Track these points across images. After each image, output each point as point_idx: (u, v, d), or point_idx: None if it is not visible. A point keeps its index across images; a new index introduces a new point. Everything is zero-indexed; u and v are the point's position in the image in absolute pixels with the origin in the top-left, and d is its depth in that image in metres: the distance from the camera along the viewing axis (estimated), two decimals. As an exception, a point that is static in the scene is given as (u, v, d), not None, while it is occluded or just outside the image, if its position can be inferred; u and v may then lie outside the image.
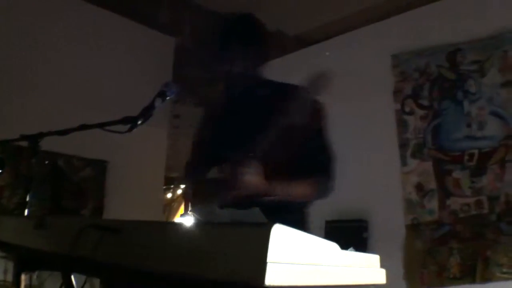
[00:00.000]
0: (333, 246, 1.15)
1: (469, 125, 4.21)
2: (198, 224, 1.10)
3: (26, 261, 2.02)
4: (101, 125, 2.03)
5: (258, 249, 0.91)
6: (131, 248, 1.17)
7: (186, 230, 1.09)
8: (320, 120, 2.15)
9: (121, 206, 5.45)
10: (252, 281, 0.89)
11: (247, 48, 2.06)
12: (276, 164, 1.91)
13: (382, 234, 4.53)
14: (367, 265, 1.34)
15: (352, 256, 1.24)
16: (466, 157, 4.19)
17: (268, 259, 0.89)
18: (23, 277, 2.06)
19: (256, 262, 0.90)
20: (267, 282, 0.88)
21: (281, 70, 5.02)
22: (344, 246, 1.29)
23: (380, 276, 1.39)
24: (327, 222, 4.80)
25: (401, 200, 4.51)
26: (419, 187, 4.42)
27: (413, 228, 4.38)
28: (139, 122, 1.83)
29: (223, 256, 0.95)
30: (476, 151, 4.14)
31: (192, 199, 2.05)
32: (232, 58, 1.99)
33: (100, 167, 5.59)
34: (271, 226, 0.92)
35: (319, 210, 4.79)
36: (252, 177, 1.71)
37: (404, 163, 4.56)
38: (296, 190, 1.97)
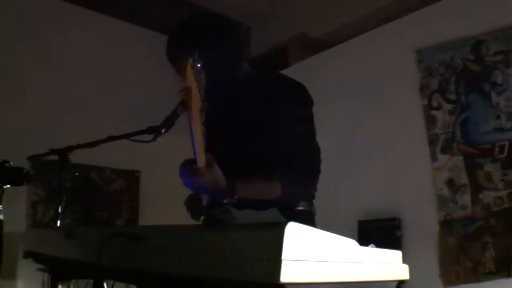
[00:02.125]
0: (351, 242, 1.16)
1: (497, 117, 4.15)
2: (215, 226, 1.13)
3: (60, 271, 2.08)
4: (127, 136, 2.08)
5: (273, 247, 0.93)
6: (154, 254, 1.20)
7: (204, 233, 1.11)
8: (292, 110, 1.93)
9: (155, 215, 5.52)
10: (268, 279, 0.91)
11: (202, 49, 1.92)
12: (237, 162, 1.85)
13: (416, 231, 4.50)
14: (388, 261, 1.33)
15: (371, 252, 1.24)
16: (496, 150, 4.13)
17: (283, 257, 0.91)
18: (60, 287, 2.11)
19: (272, 260, 0.92)
20: (283, 279, 0.90)
21: (304, 73, 5.06)
22: (377, 245, 1.30)
23: (402, 272, 1.38)
24: (360, 222, 4.79)
25: (433, 197, 4.47)
26: (451, 183, 4.37)
27: (446, 224, 4.33)
28: (163, 131, 1.86)
29: (240, 256, 0.97)
30: (506, 143, 4.08)
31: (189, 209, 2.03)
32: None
33: (132, 177, 5.68)
34: (285, 224, 0.94)
35: (351, 210, 4.85)
36: (205, 176, 1.63)
37: (434, 159, 4.52)
38: (257, 189, 1.78)
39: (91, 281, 1.67)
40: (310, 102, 2.01)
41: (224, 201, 1.68)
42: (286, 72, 2.15)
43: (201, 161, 1.59)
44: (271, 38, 6.50)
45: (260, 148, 1.91)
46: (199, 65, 1.40)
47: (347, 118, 5.32)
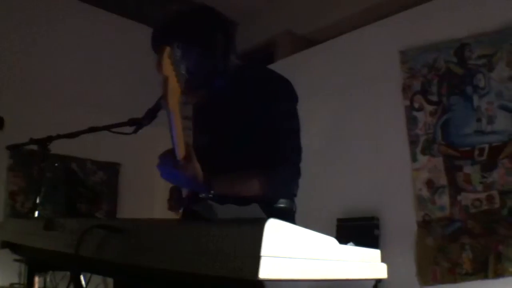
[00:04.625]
0: (331, 240, 1.16)
1: (478, 120, 4.19)
2: (195, 221, 1.12)
3: (37, 262, 2.06)
4: (108, 127, 2.06)
5: (252, 243, 0.92)
6: (132, 247, 1.19)
7: (183, 227, 1.11)
8: (277, 106, 1.91)
9: (134, 207, 5.51)
10: (247, 275, 0.91)
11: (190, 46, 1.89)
12: (222, 156, 1.88)
13: (394, 231, 4.53)
14: (367, 260, 1.34)
15: (350, 250, 1.24)
16: (476, 152, 4.17)
17: (262, 253, 0.91)
18: (36, 279, 2.09)
19: (251, 256, 0.91)
20: (261, 275, 0.90)
21: (290, 69, 5.06)
22: (356, 244, 1.30)
23: (380, 270, 1.39)
24: (339, 220, 4.81)
25: (412, 197, 4.50)
26: (430, 184, 4.40)
27: (425, 225, 4.37)
28: (144, 124, 1.86)
29: (219, 251, 0.97)
30: (486, 146, 4.12)
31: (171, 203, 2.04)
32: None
33: (112, 169, 5.65)
34: (265, 220, 0.94)
35: (330, 208, 4.87)
36: (184, 169, 1.63)
37: (414, 159, 4.55)
38: (234, 185, 1.78)
39: (68, 273, 1.66)
40: (296, 99, 2.00)
41: (200, 195, 1.67)
42: (272, 67, 2.13)
43: (180, 153, 1.57)
44: (258, 34, 6.49)
45: (245, 143, 1.90)
46: (178, 55, 1.37)
47: (328, 116, 5.33)
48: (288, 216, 1.94)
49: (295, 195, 2.01)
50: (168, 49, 1.32)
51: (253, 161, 1.81)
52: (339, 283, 1.17)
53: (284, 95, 1.97)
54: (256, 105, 1.90)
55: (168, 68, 1.33)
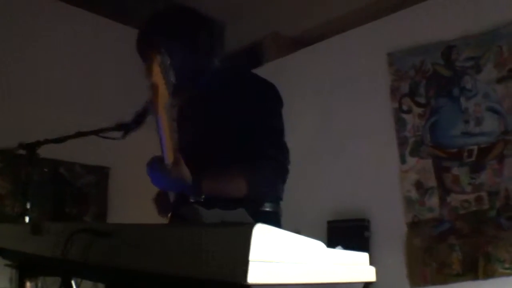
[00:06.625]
0: (319, 244, 1.16)
1: (466, 122, 4.22)
2: (183, 225, 1.13)
3: (28, 267, 2.05)
4: (96, 132, 2.06)
5: (240, 248, 0.92)
6: (120, 250, 1.20)
7: (171, 231, 1.11)
8: (260, 109, 1.94)
9: (124, 211, 5.47)
10: (235, 279, 0.91)
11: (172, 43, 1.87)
12: (206, 159, 1.87)
13: (384, 232, 4.54)
14: (355, 263, 1.34)
15: (338, 254, 1.25)
16: (464, 154, 4.20)
17: (250, 258, 0.91)
18: (27, 284, 2.08)
19: (239, 261, 0.92)
20: (250, 280, 0.90)
21: (278, 71, 5.07)
22: (346, 246, 1.31)
23: (369, 274, 1.39)
24: (329, 223, 4.82)
25: (401, 198, 4.52)
26: (419, 185, 4.42)
27: (414, 226, 4.39)
28: (132, 128, 1.86)
29: (207, 256, 0.97)
30: (474, 147, 4.15)
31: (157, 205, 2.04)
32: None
33: (102, 173, 5.62)
34: (253, 225, 0.94)
35: (320, 210, 4.87)
36: (172, 173, 1.63)
37: (403, 161, 4.57)
38: (222, 187, 1.80)
39: (59, 278, 1.66)
40: (280, 102, 2.01)
41: (191, 199, 1.68)
42: (260, 70, 2.14)
43: (169, 157, 1.59)
44: (245, 36, 6.48)
45: (228, 146, 1.91)
46: (168, 62, 1.39)
47: (317, 118, 5.34)
48: (274, 219, 1.95)
49: (281, 199, 2.02)
50: (158, 57, 1.34)
51: (237, 159, 1.83)
52: (327, 286, 1.17)
53: (268, 97, 1.98)
54: (239, 106, 1.91)
55: (158, 76, 1.34)
